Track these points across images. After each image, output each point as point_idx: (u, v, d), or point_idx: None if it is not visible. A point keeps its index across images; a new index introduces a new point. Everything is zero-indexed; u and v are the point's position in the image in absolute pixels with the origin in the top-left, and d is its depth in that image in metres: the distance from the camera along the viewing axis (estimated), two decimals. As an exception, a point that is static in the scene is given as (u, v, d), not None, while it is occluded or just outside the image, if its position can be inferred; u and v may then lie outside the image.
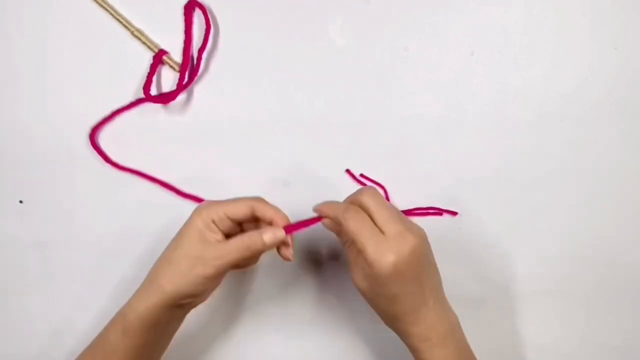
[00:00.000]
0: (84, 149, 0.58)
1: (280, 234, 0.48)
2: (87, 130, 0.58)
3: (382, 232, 0.45)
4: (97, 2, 0.57)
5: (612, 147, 0.57)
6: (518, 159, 0.57)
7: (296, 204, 0.52)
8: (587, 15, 0.57)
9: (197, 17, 0.58)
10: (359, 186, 0.57)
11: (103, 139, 0.58)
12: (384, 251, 0.44)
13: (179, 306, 0.49)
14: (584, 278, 0.58)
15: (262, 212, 0.49)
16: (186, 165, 0.58)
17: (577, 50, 0.57)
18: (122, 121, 0.58)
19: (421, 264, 0.46)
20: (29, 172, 0.58)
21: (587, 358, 0.58)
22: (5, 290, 0.59)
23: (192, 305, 0.50)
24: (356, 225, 0.45)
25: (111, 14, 0.57)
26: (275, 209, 0.49)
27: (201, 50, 0.57)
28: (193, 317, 0.55)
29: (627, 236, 0.58)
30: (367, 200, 0.47)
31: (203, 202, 0.50)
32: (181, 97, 0.58)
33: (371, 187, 0.49)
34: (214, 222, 0.48)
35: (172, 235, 0.59)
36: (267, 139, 0.58)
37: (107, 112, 0.58)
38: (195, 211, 0.49)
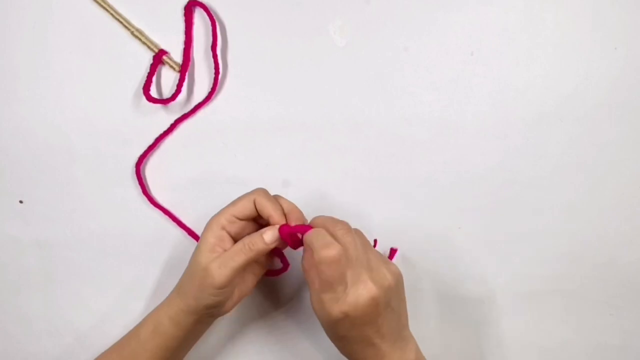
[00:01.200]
0: (84, 149, 0.58)
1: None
2: (87, 130, 0.58)
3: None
4: (97, 2, 0.57)
5: (612, 147, 0.57)
6: (518, 159, 0.57)
7: (296, 204, 0.52)
8: (587, 15, 0.56)
9: (197, 18, 0.58)
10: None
11: (103, 137, 0.58)
12: (367, 283, 0.45)
13: (205, 315, 0.50)
14: (583, 278, 0.58)
15: (261, 208, 0.49)
16: (186, 165, 0.58)
17: (577, 50, 0.57)
18: (123, 121, 0.58)
19: (378, 311, 0.45)
20: (29, 172, 0.58)
21: (586, 358, 0.58)
22: (5, 290, 0.59)
23: (215, 314, 0.51)
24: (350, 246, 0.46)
25: (111, 14, 0.57)
26: (274, 205, 0.49)
27: (214, 47, 0.57)
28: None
29: (626, 236, 0.58)
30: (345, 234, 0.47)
31: (215, 214, 0.50)
32: (181, 97, 0.58)
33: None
34: (224, 228, 0.49)
35: (171, 234, 0.59)
36: (267, 138, 0.58)
37: (106, 112, 0.58)
38: (207, 226, 0.50)
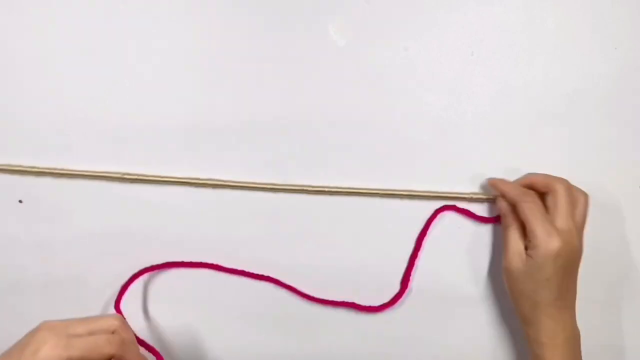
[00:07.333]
0: (84, 149, 0.58)
1: None
2: (87, 130, 0.58)
3: (553, 221, 0.50)
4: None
5: (612, 147, 0.57)
6: (518, 159, 0.57)
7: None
8: (587, 15, 0.56)
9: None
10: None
11: (103, 137, 0.58)
12: (553, 236, 0.49)
13: None
14: (583, 278, 0.58)
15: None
16: (185, 165, 0.58)
17: (577, 50, 0.57)
18: (122, 121, 0.58)
19: (576, 264, 0.52)
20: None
21: (587, 358, 0.58)
22: (5, 290, 0.59)
23: None
24: (531, 210, 0.50)
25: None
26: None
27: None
28: (192, 316, 0.55)
29: (626, 236, 0.58)
30: (561, 190, 0.52)
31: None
32: (181, 97, 0.58)
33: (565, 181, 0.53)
34: None
35: (171, 234, 0.59)
36: (266, 139, 0.58)
37: (106, 111, 0.58)
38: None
